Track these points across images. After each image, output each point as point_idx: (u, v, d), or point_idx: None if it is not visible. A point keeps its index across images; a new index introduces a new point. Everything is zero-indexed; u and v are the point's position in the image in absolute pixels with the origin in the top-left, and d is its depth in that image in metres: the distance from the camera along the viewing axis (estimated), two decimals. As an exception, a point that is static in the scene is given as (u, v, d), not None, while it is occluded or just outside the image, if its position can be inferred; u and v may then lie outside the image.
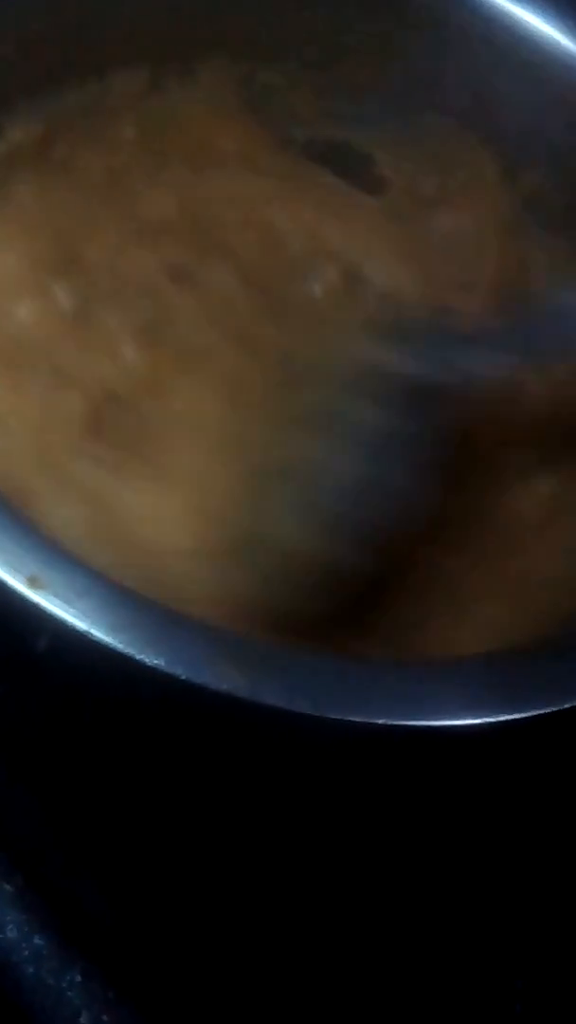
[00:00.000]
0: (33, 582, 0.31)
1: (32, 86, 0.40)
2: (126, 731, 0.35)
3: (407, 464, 0.35)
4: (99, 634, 0.31)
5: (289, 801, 0.37)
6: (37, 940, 0.38)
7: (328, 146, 0.44)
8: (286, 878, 0.38)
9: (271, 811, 0.37)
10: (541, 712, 0.33)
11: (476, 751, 0.35)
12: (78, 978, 0.37)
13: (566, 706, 0.33)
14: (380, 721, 0.32)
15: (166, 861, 0.38)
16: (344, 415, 0.35)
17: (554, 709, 0.33)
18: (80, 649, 0.31)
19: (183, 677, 0.31)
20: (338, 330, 0.38)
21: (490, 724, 0.33)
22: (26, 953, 0.38)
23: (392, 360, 0.35)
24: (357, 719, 0.32)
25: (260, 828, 0.38)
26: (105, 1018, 0.37)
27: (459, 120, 0.43)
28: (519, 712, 0.33)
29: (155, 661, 0.31)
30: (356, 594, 0.36)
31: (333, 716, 0.32)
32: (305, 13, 0.42)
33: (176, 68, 0.42)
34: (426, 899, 0.39)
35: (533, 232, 0.43)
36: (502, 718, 0.33)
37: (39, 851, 0.39)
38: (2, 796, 0.38)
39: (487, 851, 0.40)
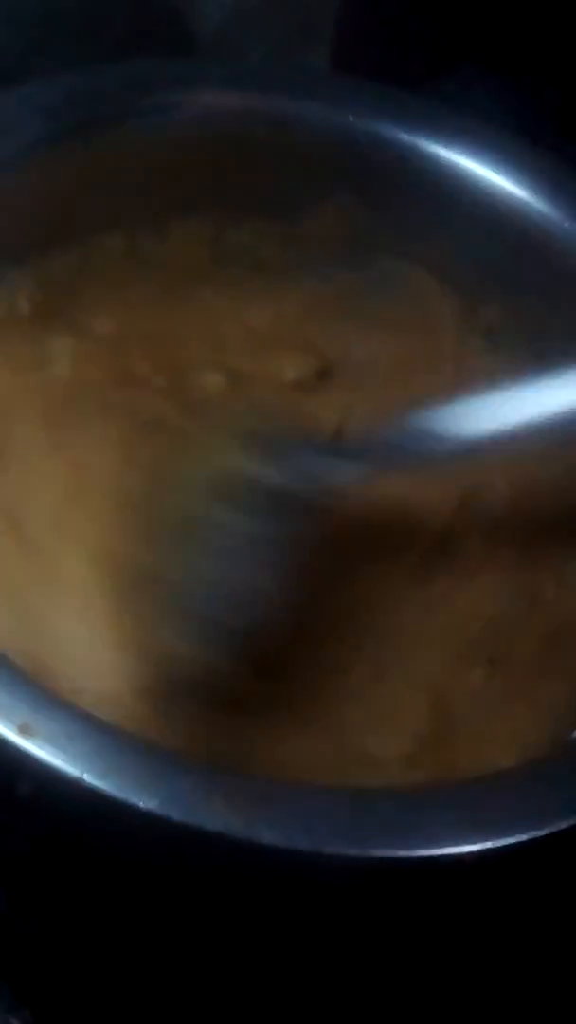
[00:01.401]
0: (24, 730, 0.31)
1: (20, 253, 0.42)
2: (121, 875, 0.34)
3: (271, 568, 0.36)
4: (91, 779, 0.31)
5: (288, 937, 0.36)
6: None
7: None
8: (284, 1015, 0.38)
9: (269, 948, 0.37)
10: (542, 834, 0.33)
11: (477, 878, 0.34)
12: None
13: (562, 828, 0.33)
14: (378, 854, 0.32)
15: (161, 1003, 0.37)
16: (208, 521, 0.37)
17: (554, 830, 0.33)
18: (73, 793, 0.31)
19: (177, 819, 0.31)
20: (207, 437, 0.39)
21: (490, 849, 0.33)
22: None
23: (257, 469, 0.36)
24: (354, 853, 0.32)
25: (258, 965, 0.37)
26: None
27: (418, 263, 0.45)
28: (519, 835, 0.33)
29: (149, 804, 0.31)
30: (240, 697, 0.37)
31: (330, 851, 0.32)
32: (269, 172, 0.44)
33: (150, 230, 0.44)
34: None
35: (485, 359, 0.45)
36: (501, 842, 0.33)
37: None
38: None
39: (489, 978, 0.39)
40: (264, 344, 0.44)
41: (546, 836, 0.33)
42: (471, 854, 0.33)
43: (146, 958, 0.37)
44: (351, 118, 0.44)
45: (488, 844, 0.33)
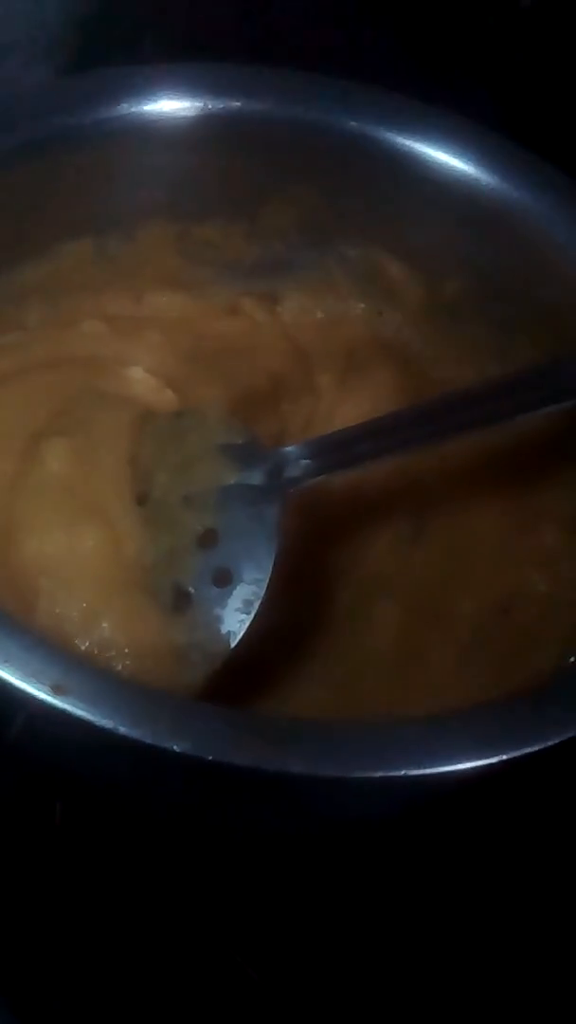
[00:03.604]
0: (57, 689, 0.33)
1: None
2: (157, 814, 0.36)
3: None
4: (125, 729, 0.33)
5: (316, 867, 0.38)
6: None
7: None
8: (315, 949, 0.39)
9: (295, 881, 0.38)
10: (545, 746, 0.35)
11: (484, 792, 0.36)
12: None
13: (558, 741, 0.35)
14: (402, 773, 0.34)
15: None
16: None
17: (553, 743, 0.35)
18: (108, 744, 0.33)
19: (210, 758, 0.33)
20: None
21: (500, 762, 0.35)
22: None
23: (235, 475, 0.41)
24: (380, 774, 0.34)
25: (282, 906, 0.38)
26: None
27: (379, 246, 0.48)
28: (523, 748, 0.35)
29: (182, 747, 0.33)
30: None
31: (358, 775, 0.34)
32: (226, 169, 0.46)
33: (116, 234, 0.46)
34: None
35: (454, 333, 0.48)
36: (510, 755, 0.35)
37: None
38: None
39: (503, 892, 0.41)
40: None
41: (546, 748, 0.35)
42: (479, 768, 0.35)
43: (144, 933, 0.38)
44: (301, 110, 0.46)
45: (499, 758, 0.35)
